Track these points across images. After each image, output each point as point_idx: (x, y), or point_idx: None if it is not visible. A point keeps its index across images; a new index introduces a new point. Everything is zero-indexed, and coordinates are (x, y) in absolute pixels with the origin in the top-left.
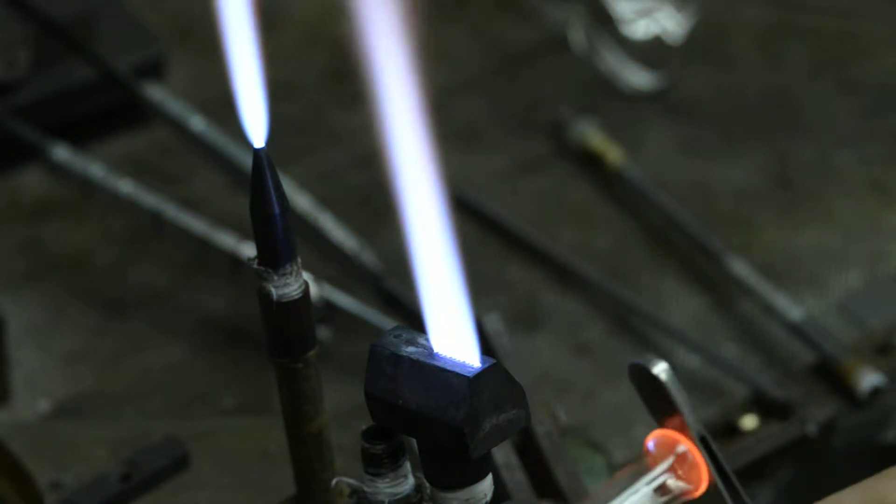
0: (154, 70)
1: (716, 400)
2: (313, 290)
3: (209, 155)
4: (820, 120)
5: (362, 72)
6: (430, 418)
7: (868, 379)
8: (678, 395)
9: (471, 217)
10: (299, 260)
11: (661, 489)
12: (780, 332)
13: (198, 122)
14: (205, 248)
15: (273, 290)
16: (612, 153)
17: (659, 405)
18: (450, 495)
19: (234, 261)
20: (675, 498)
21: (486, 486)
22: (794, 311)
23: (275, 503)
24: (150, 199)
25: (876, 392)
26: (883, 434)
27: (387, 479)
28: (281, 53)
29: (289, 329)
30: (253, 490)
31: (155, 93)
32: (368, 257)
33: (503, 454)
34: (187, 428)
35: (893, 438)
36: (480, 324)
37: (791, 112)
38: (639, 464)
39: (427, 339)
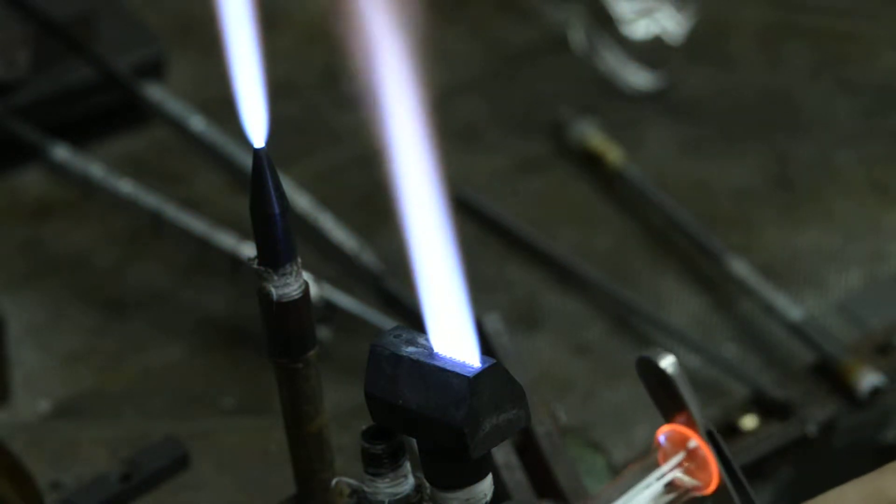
0: (154, 70)
1: (716, 400)
2: (313, 290)
3: (209, 155)
4: (820, 120)
5: (362, 72)
6: (430, 418)
7: (868, 379)
8: (685, 390)
9: (471, 217)
10: (299, 260)
11: (671, 485)
12: (780, 332)
13: (198, 122)
14: (205, 248)
15: (273, 290)
16: (612, 153)
17: (666, 400)
18: (450, 495)
19: (234, 261)
20: (685, 493)
21: (486, 486)
22: (794, 311)
23: (275, 503)
24: (150, 199)
25: (876, 392)
26: (883, 434)
27: (387, 479)
28: (281, 53)
29: (289, 329)
30: (253, 490)
31: (155, 93)
32: (368, 257)
33: (503, 454)
34: (187, 428)
35: (893, 438)
36: (480, 324)
37: (791, 112)
38: (649, 458)
39: (427, 339)
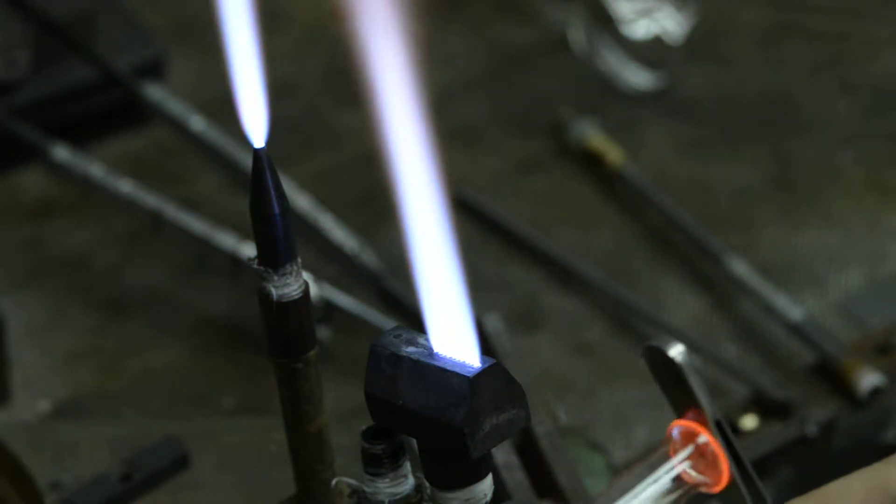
0: (154, 70)
1: (716, 400)
2: (313, 290)
3: (209, 155)
4: (820, 120)
5: (362, 72)
6: (430, 418)
7: (868, 379)
8: (694, 379)
9: (471, 217)
10: (299, 260)
11: (680, 479)
12: (780, 332)
13: (198, 122)
14: (205, 248)
15: (273, 290)
16: (612, 153)
17: (674, 390)
18: (450, 495)
19: (234, 261)
20: (694, 488)
21: (486, 486)
22: (794, 311)
23: (275, 503)
24: (150, 199)
25: (876, 392)
26: (883, 434)
27: (387, 479)
28: (281, 53)
29: (289, 329)
30: (253, 490)
31: (155, 93)
32: (368, 257)
33: (503, 454)
34: (187, 428)
35: (893, 438)
36: (480, 324)
37: (791, 112)
38: (659, 452)
39: (427, 339)
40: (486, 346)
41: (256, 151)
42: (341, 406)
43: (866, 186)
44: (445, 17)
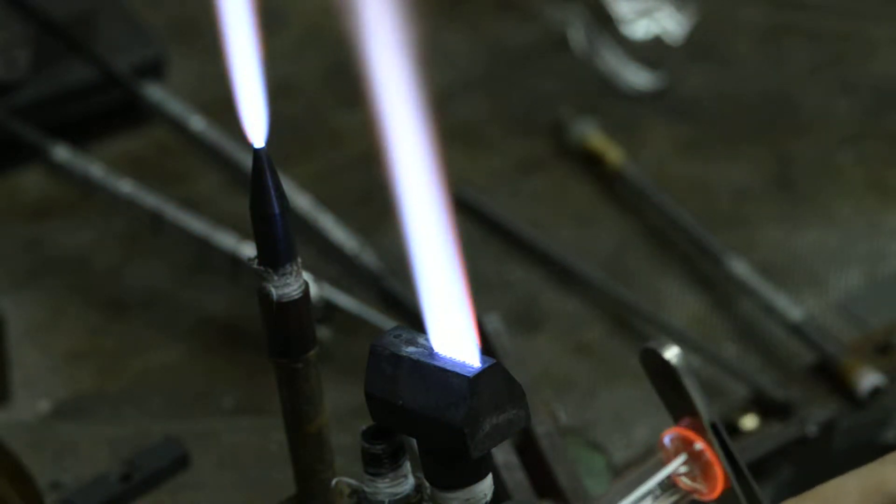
0: (154, 70)
1: (716, 400)
2: (313, 290)
3: (209, 155)
4: (820, 120)
5: (362, 72)
6: (430, 418)
7: (868, 379)
8: (689, 382)
9: (471, 217)
10: (299, 260)
11: (674, 486)
12: (780, 332)
13: (198, 122)
14: (205, 248)
15: (273, 290)
16: (612, 153)
17: (670, 392)
18: (450, 495)
19: (234, 261)
20: (688, 496)
21: (486, 486)
22: (794, 311)
23: (275, 503)
24: (150, 199)
25: (876, 392)
26: (883, 434)
27: (387, 479)
28: (281, 53)
29: (289, 329)
30: (253, 490)
31: (155, 93)
32: (368, 257)
33: (503, 454)
34: (187, 428)
35: (893, 438)
36: (480, 324)
37: (791, 112)
38: (653, 459)
39: (427, 339)
40: (486, 346)
41: (256, 151)
42: (341, 406)
43: (866, 186)
44: (445, 16)
